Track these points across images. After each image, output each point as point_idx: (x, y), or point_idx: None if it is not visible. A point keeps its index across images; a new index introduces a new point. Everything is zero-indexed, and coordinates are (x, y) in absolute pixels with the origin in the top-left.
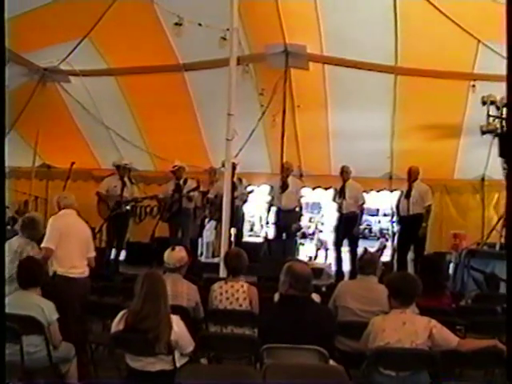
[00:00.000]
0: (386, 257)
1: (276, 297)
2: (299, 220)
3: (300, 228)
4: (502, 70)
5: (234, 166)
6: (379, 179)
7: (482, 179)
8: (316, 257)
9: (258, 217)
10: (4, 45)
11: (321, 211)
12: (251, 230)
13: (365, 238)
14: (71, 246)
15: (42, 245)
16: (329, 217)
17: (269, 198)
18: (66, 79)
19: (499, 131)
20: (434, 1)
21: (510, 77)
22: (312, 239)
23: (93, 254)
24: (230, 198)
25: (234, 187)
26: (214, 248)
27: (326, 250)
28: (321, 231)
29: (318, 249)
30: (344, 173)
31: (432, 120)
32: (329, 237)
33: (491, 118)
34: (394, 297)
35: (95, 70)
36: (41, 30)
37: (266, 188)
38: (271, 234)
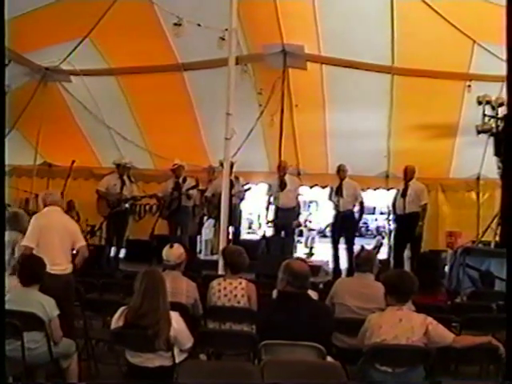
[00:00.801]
0: (382, 254)
1: (274, 294)
2: (297, 218)
3: (300, 225)
4: (498, 70)
5: (231, 165)
6: (376, 178)
7: (478, 178)
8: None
9: (257, 215)
10: (4, 45)
11: (309, 209)
12: (249, 227)
13: (361, 235)
14: (53, 243)
15: (22, 243)
16: (316, 214)
17: (267, 197)
18: (67, 79)
19: (494, 131)
20: (430, 2)
21: (510, 77)
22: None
23: (82, 243)
24: (228, 196)
25: (231, 185)
26: (213, 245)
27: (311, 248)
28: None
29: (311, 247)
30: (341, 171)
31: (428, 119)
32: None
33: (486, 118)
34: (391, 294)
35: (96, 70)
36: (42, 29)
37: (264, 186)
38: (269, 233)
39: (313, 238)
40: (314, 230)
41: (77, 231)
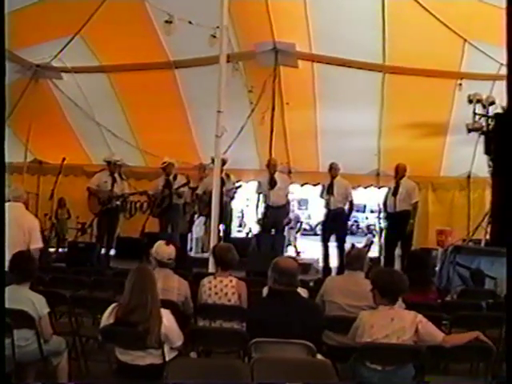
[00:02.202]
0: (373, 253)
1: (265, 291)
2: (288, 215)
3: (290, 222)
4: (488, 68)
5: (223, 162)
6: (367, 176)
7: (468, 176)
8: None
9: (247, 213)
10: (4, 44)
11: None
12: (240, 225)
13: (352, 233)
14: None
15: None
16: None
17: (257, 195)
18: (58, 76)
19: (485, 129)
20: (421, 0)
21: (510, 77)
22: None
23: (35, 245)
24: (218, 194)
25: (222, 183)
26: (204, 243)
27: (288, 245)
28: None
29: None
30: (332, 169)
31: (419, 118)
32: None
33: (477, 117)
34: (382, 295)
35: (87, 67)
36: (33, 26)
37: (254, 184)
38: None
39: (295, 237)
40: (293, 228)
41: (33, 230)
